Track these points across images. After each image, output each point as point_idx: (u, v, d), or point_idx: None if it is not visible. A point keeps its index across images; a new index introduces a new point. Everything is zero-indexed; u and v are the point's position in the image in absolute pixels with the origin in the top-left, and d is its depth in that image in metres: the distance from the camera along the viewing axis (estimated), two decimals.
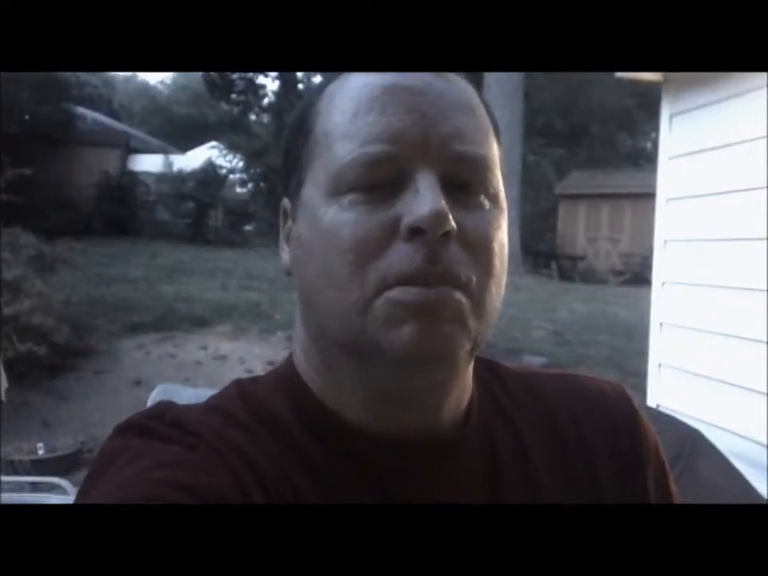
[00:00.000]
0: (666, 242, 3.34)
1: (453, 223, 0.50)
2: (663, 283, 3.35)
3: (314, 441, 0.57)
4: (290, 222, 0.60)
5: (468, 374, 0.60)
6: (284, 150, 0.61)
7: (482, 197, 0.55)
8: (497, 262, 0.54)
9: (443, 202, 0.51)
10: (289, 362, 0.63)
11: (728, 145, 2.89)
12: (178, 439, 0.54)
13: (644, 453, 0.65)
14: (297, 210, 0.58)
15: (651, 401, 3.32)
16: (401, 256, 0.51)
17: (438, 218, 0.50)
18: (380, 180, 0.53)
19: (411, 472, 0.57)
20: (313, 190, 0.56)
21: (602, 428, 0.64)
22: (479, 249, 0.53)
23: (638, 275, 13.53)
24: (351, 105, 0.54)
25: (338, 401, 0.58)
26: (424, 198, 0.51)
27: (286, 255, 0.61)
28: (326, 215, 0.54)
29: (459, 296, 0.52)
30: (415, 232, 0.51)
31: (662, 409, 3.12)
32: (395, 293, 0.51)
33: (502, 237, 0.55)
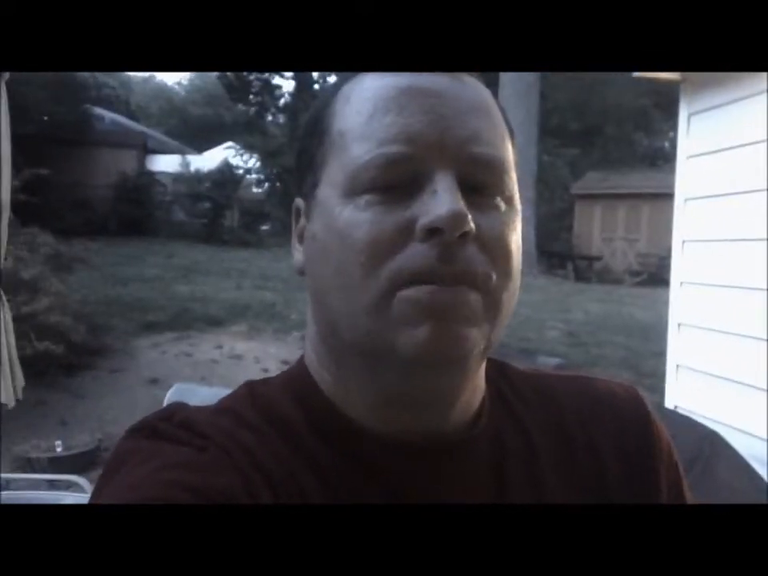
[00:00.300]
0: (684, 242, 3.31)
1: (471, 224, 0.50)
2: (681, 283, 3.32)
3: (321, 441, 0.57)
4: (302, 221, 0.60)
5: (480, 375, 0.60)
6: (298, 150, 0.61)
7: (498, 199, 0.55)
8: (512, 263, 0.54)
9: (462, 203, 0.51)
10: (300, 363, 0.63)
11: (747, 144, 2.86)
12: (188, 441, 0.55)
13: (656, 455, 0.64)
14: (311, 209, 0.58)
15: (669, 402, 3.29)
16: (416, 256, 0.51)
17: (457, 218, 0.50)
18: (396, 181, 0.52)
19: (418, 473, 0.57)
20: (328, 189, 0.55)
21: (612, 430, 0.64)
22: (495, 250, 0.53)
23: (655, 275, 13.44)
24: (367, 105, 0.54)
25: (347, 401, 0.58)
26: (442, 199, 0.51)
27: (298, 254, 0.61)
28: (342, 215, 0.53)
29: (475, 296, 0.52)
30: (432, 232, 0.51)
31: (679, 410, 3.09)
32: (410, 292, 0.51)
33: (517, 239, 0.55)
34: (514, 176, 0.56)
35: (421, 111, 0.53)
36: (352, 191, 0.53)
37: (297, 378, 0.62)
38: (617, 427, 0.64)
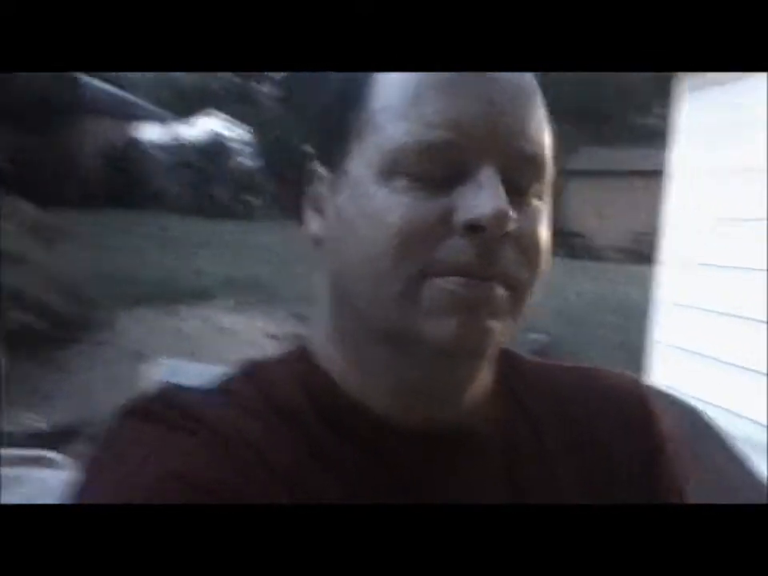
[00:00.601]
0: (676, 221, 3.29)
1: (513, 224, 0.50)
2: (672, 263, 3.30)
3: (329, 428, 0.55)
4: (322, 189, 0.57)
5: (490, 366, 0.59)
6: (325, 112, 0.58)
7: (535, 196, 0.54)
8: (544, 261, 0.54)
9: (506, 201, 0.49)
10: (305, 344, 0.60)
11: (744, 123, 2.83)
12: (182, 425, 0.53)
13: (659, 449, 0.64)
14: (338, 181, 0.55)
15: (655, 380, 3.29)
16: (455, 249, 0.50)
17: (501, 217, 0.49)
18: (438, 168, 0.51)
19: (431, 462, 0.56)
20: (362, 166, 0.53)
21: (614, 421, 0.64)
22: (529, 249, 0.52)
23: (645, 254, 13.48)
24: (414, 82, 0.52)
25: (359, 387, 0.57)
26: (487, 195, 0.49)
27: (315, 224, 0.58)
28: (376, 196, 0.51)
29: (504, 292, 0.51)
30: (474, 229, 0.49)
31: (665, 388, 3.08)
32: (441, 282, 0.50)
33: (548, 236, 0.55)
34: (551, 172, 0.55)
35: (471, 95, 0.51)
36: (389, 173, 0.51)
37: (302, 360, 0.59)
38: (618, 418, 0.64)
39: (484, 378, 0.59)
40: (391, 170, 0.51)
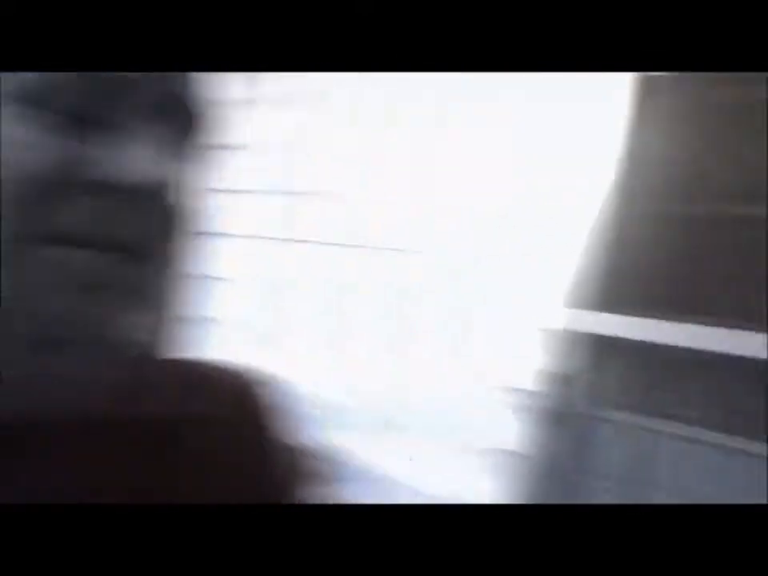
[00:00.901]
0: (208, 191, 3.33)
1: (160, 189, 0.42)
2: (204, 234, 3.35)
3: None
4: None
5: (116, 358, 0.53)
6: None
7: (192, 164, 0.47)
8: (189, 237, 0.46)
9: (159, 164, 0.44)
10: None
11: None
12: None
13: (255, 421, 0.68)
14: None
15: (202, 353, 3.35)
16: (78, 213, 0.47)
17: (147, 181, 0.44)
18: (84, 110, 0.47)
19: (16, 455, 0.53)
20: None
21: (211, 406, 0.64)
22: (175, 222, 0.45)
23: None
24: None
25: None
26: (135, 153, 0.44)
27: None
28: (9, 130, 0.44)
29: (145, 273, 0.43)
30: (115, 192, 0.43)
31: (214, 361, 3.14)
32: (59, 252, 0.40)
33: (197, 210, 0.48)
34: (210, 146, 0.50)
35: None
36: (31, 103, 0.50)
37: None
38: (214, 403, 0.65)
39: (107, 372, 0.56)
40: (35, 99, 0.44)
